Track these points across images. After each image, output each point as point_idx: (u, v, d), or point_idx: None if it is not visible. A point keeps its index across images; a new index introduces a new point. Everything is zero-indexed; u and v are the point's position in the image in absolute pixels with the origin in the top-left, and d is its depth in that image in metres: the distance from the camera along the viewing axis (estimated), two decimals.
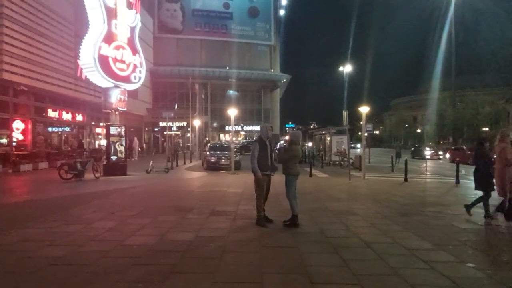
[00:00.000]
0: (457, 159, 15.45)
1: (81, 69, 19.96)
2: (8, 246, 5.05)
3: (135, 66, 17.90)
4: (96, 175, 14.19)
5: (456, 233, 5.91)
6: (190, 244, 5.18)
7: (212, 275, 3.99)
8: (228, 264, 4.38)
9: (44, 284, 3.78)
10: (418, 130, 65.63)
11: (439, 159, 31.06)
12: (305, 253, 4.79)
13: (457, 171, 13.61)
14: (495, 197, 7.44)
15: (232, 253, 4.80)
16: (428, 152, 30.51)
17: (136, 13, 18.47)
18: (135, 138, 29.91)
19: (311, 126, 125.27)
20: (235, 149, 18.80)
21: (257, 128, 50.59)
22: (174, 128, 38.66)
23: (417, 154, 31.68)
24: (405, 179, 13.81)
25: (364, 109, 15.58)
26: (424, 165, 19.51)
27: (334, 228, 6.26)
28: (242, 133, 50.22)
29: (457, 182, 13.19)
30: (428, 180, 15.51)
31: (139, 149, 34.51)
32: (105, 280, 3.85)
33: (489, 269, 4.21)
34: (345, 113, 16.11)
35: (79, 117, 25.95)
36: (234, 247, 5.10)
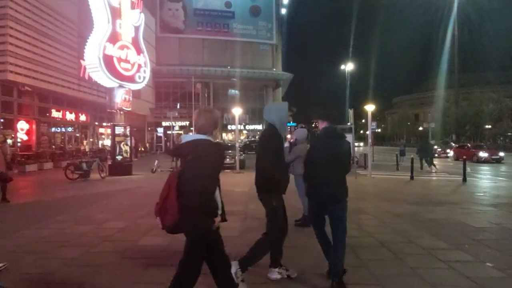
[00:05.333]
0: (464, 157, 15.38)
1: (84, 69, 20.01)
2: (21, 247, 5.03)
3: (139, 66, 17.89)
4: (102, 175, 14.19)
5: (471, 232, 5.86)
6: None
7: None
8: None
9: (63, 285, 3.75)
10: (420, 128, 65.58)
11: (447, 157, 30.91)
12: (321, 253, 4.73)
13: (464, 169, 13.54)
14: None
15: None
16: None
17: (140, 12, 18.46)
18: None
19: (313, 125, 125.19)
20: (238, 148, 18.79)
21: (259, 127, 50.63)
22: (177, 128, 38.70)
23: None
24: (411, 177, 13.77)
25: (369, 108, 15.55)
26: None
27: (347, 228, 6.20)
28: (245, 132, 50.20)
29: (464, 180, 13.12)
30: (434, 178, 15.45)
31: (142, 149, 34.56)
32: (124, 281, 3.82)
33: (508, 269, 4.16)
34: (351, 112, 16.07)
35: (83, 117, 26.00)
36: (249, 247, 5.04)
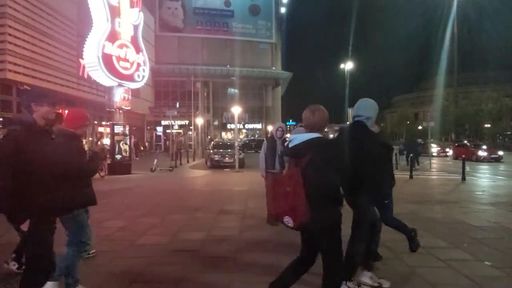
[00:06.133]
0: (463, 155, 15.38)
1: (84, 68, 19.97)
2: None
3: (138, 65, 17.87)
4: (101, 174, 14.17)
5: (469, 231, 5.87)
6: (203, 244, 5.16)
7: (229, 275, 3.96)
8: (244, 264, 4.35)
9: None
10: (420, 127, 65.62)
11: (446, 156, 30.93)
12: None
13: (463, 167, 13.54)
14: None
15: (246, 252, 4.77)
16: (434, 149, 30.32)
17: (139, 11, 18.43)
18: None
19: None
20: (238, 147, 18.83)
21: (259, 126, 50.70)
22: (176, 127, 38.67)
23: (423, 152, 31.57)
24: (411, 176, 13.79)
25: None
26: (428, 162, 19.50)
27: (345, 226, 6.19)
28: (244, 131, 50.21)
29: (463, 178, 13.12)
30: (433, 177, 15.47)
31: (142, 148, 34.53)
32: (122, 281, 3.82)
33: (507, 267, 4.17)
34: (349, 111, 16.06)
35: None
36: (248, 246, 5.07)
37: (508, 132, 50.88)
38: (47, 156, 2.57)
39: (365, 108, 3.46)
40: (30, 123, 2.58)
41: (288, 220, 2.64)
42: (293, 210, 2.59)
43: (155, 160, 17.29)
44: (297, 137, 2.81)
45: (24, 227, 2.51)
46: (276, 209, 2.73)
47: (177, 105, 38.73)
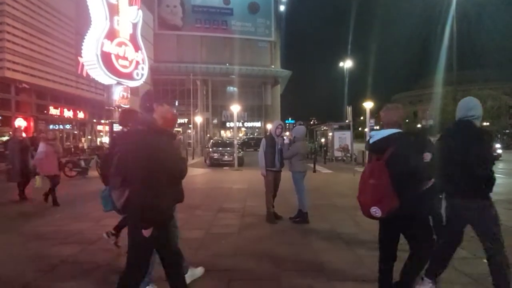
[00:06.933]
0: None
1: (82, 66, 19.93)
2: (20, 245, 5.03)
3: (137, 63, 17.85)
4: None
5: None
6: (202, 242, 5.16)
7: (228, 273, 3.97)
8: (243, 261, 4.36)
9: (61, 283, 3.75)
10: (419, 125, 65.59)
11: None
12: (318, 250, 4.77)
13: None
14: None
15: (245, 250, 4.78)
16: None
17: (138, 9, 18.40)
18: None
19: (311, 122, 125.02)
20: (237, 145, 18.82)
21: (258, 124, 50.68)
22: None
23: None
24: None
25: (368, 105, 15.57)
26: None
27: (345, 224, 6.24)
28: (243, 129, 50.21)
29: None
30: None
31: None
32: None
33: None
34: (349, 109, 16.04)
35: (81, 115, 25.94)
36: (247, 244, 5.07)
37: (507, 130, 50.97)
38: (169, 156, 2.56)
39: (475, 107, 3.35)
40: (154, 123, 2.55)
41: (375, 210, 2.83)
42: (380, 200, 2.79)
43: None
44: (377, 134, 3.02)
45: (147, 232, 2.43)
46: (363, 200, 2.92)
47: (176, 104, 38.70)
